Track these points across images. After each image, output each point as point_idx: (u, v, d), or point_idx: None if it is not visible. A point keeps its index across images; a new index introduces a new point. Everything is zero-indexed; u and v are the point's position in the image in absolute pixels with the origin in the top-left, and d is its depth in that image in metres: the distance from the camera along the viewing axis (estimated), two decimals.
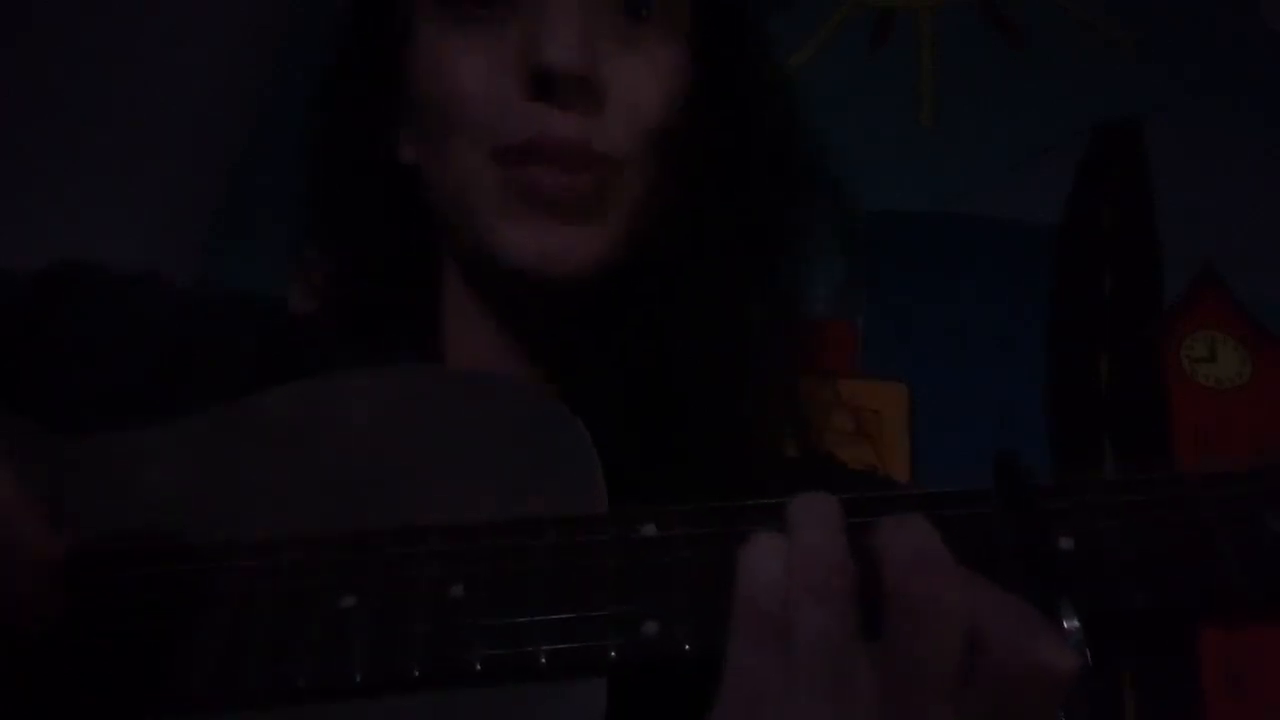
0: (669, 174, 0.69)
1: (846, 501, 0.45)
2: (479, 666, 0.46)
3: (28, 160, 1.83)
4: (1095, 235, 1.74)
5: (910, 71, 1.87)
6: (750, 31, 0.75)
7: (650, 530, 0.48)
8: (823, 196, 0.76)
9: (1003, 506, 0.45)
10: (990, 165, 1.77)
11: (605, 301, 0.69)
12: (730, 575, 0.44)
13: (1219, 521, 0.44)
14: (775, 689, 0.43)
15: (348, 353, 0.72)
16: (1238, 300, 1.67)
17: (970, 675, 0.42)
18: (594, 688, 0.46)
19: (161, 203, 1.86)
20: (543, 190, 0.64)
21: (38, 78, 1.92)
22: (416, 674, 0.47)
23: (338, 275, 0.77)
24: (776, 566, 0.43)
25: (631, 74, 0.67)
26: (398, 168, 0.73)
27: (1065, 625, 0.42)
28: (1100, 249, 1.73)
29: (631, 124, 0.67)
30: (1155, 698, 1.42)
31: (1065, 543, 0.44)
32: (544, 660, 0.46)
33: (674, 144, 0.69)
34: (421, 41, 0.70)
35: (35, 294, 0.73)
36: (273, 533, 0.52)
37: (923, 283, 1.74)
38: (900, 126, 1.83)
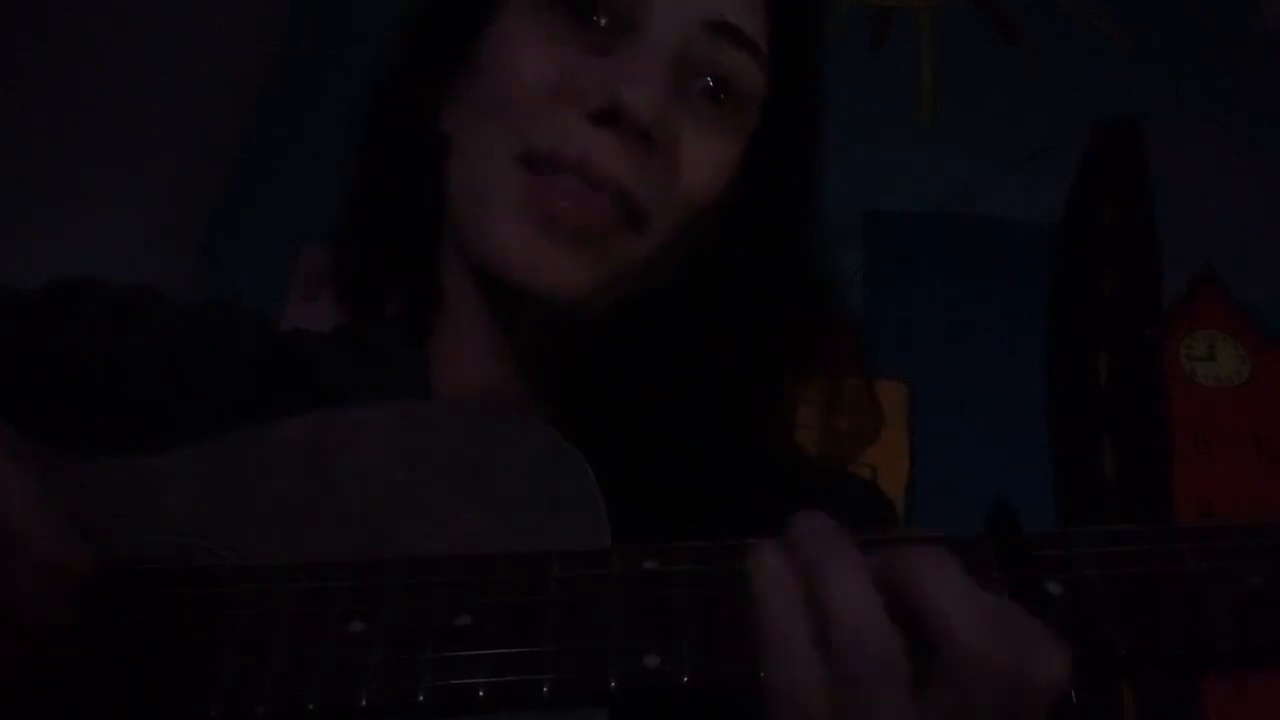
0: (686, 248, 0.70)
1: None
2: (482, 694, 0.47)
3: (26, 162, 1.84)
4: (1095, 235, 1.74)
5: (910, 71, 1.88)
6: (814, 144, 0.76)
7: (652, 564, 0.49)
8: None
9: (996, 556, 0.45)
10: (990, 165, 1.77)
11: (603, 339, 0.70)
12: (730, 609, 0.45)
13: (1203, 574, 0.45)
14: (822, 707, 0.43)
15: (341, 364, 0.73)
16: (1238, 300, 1.68)
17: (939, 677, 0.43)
18: (595, 718, 0.47)
19: (160, 204, 1.86)
20: (557, 200, 0.64)
21: (37, 79, 1.93)
22: (421, 699, 0.48)
23: (344, 268, 0.77)
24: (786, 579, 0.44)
25: (690, 149, 0.68)
26: (435, 135, 0.73)
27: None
28: (1100, 249, 1.74)
29: (672, 193, 0.68)
30: (1155, 697, 1.43)
31: (1054, 588, 0.45)
32: (546, 689, 0.47)
33: (702, 228, 0.70)
34: (507, 22, 0.70)
35: (38, 313, 0.73)
36: (285, 558, 0.53)
37: (923, 282, 1.75)
38: (900, 126, 1.83)
